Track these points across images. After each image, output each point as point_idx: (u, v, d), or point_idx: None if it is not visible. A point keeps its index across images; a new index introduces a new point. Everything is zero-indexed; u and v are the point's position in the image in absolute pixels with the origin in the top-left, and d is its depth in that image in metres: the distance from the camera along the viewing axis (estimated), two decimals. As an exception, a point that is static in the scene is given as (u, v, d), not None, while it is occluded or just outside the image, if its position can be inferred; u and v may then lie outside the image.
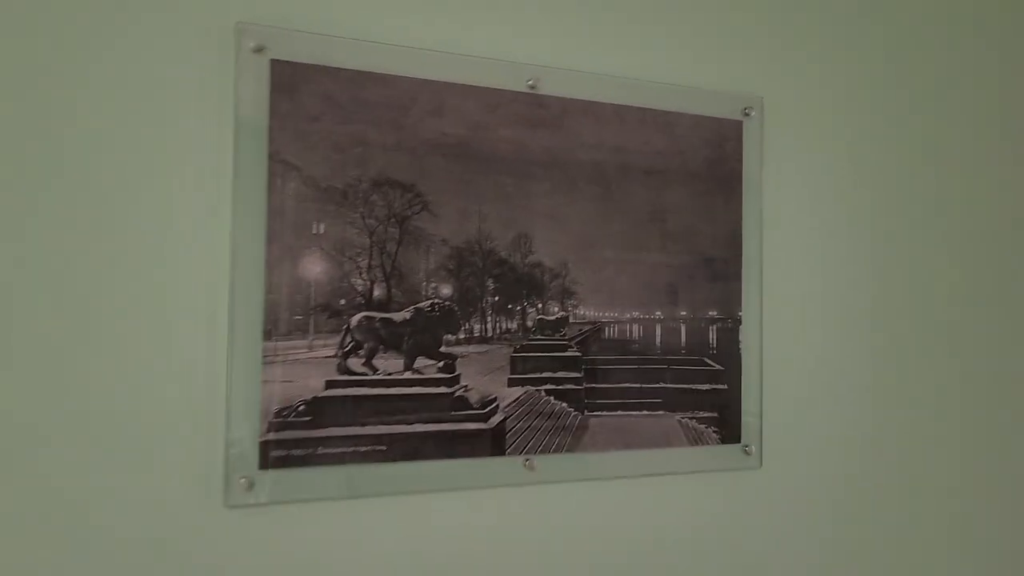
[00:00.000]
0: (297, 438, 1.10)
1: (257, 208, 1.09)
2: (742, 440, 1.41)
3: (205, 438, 1.07)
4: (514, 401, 1.24)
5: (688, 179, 1.37)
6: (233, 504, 1.08)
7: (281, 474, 1.10)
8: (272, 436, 1.09)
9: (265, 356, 1.09)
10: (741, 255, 1.41)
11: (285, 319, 1.11)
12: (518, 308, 1.26)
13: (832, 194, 1.52)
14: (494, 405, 1.23)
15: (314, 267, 1.13)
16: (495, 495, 1.23)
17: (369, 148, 1.15)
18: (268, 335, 1.10)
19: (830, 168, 1.52)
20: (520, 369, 1.25)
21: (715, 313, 1.40)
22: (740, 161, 1.41)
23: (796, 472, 1.47)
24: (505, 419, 1.23)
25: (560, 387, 1.28)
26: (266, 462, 1.09)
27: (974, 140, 1.66)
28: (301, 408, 1.11)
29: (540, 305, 1.28)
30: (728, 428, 1.40)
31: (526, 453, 1.24)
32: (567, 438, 1.27)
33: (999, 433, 1.68)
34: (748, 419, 1.41)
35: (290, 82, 1.11)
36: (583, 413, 1.29)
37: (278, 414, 1.09)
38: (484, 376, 1.23)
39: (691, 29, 1.40)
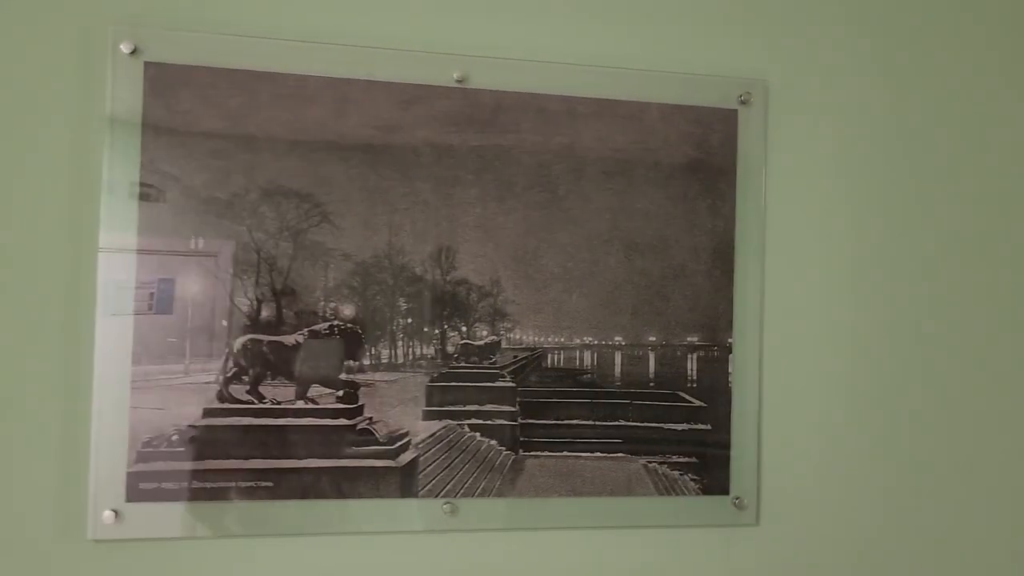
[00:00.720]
0: (169, 470, 1.02)
1: (127, 220, 1.02)
2: (732, 491, 1.17)
3: (69, 467, 1.01)
4: (430, 436, 1.09)
5: (660, 180, 1.16)
6: (98, 538, 1.01)
7: (151, 508, 1.02)
8: (141, 467, 1.01)
9: (134, 381, 1.02)
10: (733, 270, 1.18)
11: (158, 341, 1.03)
12: (436, 331, 1.11)
13: (848, 195, 1.24)
14: (405, 440, 1.08)
15: (192, 285, 1.04)
16: (406, 541, 1.09)
17: (258, 154, 1.05)
18: (138, 359, 1.02)
19: (845, 165, 1.24)
20: (438, 400, 1.10)
21: (696, 339, 1.17)
22: (732, 157, 1.18)
23: (803, 531, 1.20)
24: (418, 456, 1.09)
25: (488, 422, 1.11)
26: (135, 495, 1.01)
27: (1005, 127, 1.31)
28: (174, 438, 1.03)
29: (464, 328, 1.12)
30: (711, 476, 1.17)
31: (445, 496, 1.09)
32: (496, 481, 1.11)
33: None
34: (740, 466, 1.17)
35: (167, 85, 1.03)
36: (517, 452, 1.12)
37: (148, 443, 1.02)
38: (393, 408, 1.09)
39: (666, 4, 1.19)
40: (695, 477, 1.16)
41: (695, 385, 1.17)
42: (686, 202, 1.16)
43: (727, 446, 1.17)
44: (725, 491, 1.17)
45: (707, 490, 1.16)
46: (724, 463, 1.17)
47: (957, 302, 1.26)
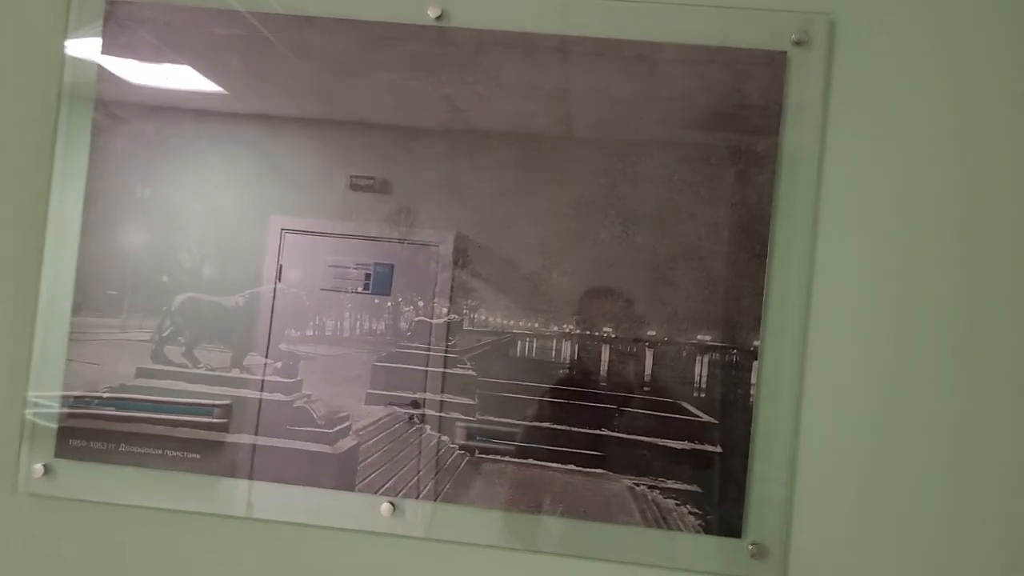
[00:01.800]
0: (99, 429, 0.97)
1: (77, 167, 0.98)
2: (746, 533, 0.92)
3: (4, 415, 0.99)
4: (373, 423, 0.95)
5: (672, 138, 0.93)
6: (23, 491, 0.98)
7: (79, 467, 0.97)
8: (72, 424, 0.97)
9: (72, 332, 0.98)
10: (766, 253, 0.93)
11: (98, 293, 0.98)
12: (388, 304, 0.97)
13: (930, 163, 0.92)
14: (345, 425, 0.96)
15: (135, 237, 0.98)
16: (338, 538, 0.96)
17: (211, 99, 0.97)
18: (77, 309, 0.98)
19: (930, 124, 0.93)
20: (384, 383, 0.96)
21: (708, 338, 0.93)
22: (777, 112, 0.93)
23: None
24: (358, 444, 0.95)
25: (441, 414, 0.95)
26: (64, 451, 0.97)
27: None
28: (106, 395, 0.97)
29: (421, 303, 0.96)
30: (719, 512, 0.92)
31: (384, 494, 0.95)
32: (445, 483, 0.94)
33: None
34: (762, 503, 0.92)
35: (126, 24, 0.98)
36: (473, 453, 0.95)
37: (80, 400, 0.97)
38: (335, 386, 0.96)
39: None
40: (696, 510, 0.92)
41: (703, 395, 0.93)
42: (706, 166, 0.93)
43: (743, 476, 0.92)
44: (736, 533, 0.92)
45: (711, 529, 0.92)
46: (738, 497, 0.92)
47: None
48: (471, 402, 0.96)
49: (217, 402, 0.96)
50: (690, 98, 0.93)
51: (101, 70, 0.98)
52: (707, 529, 0.92)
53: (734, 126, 0.93)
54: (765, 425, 0.92)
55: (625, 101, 0.94)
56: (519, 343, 0.96)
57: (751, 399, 0.92)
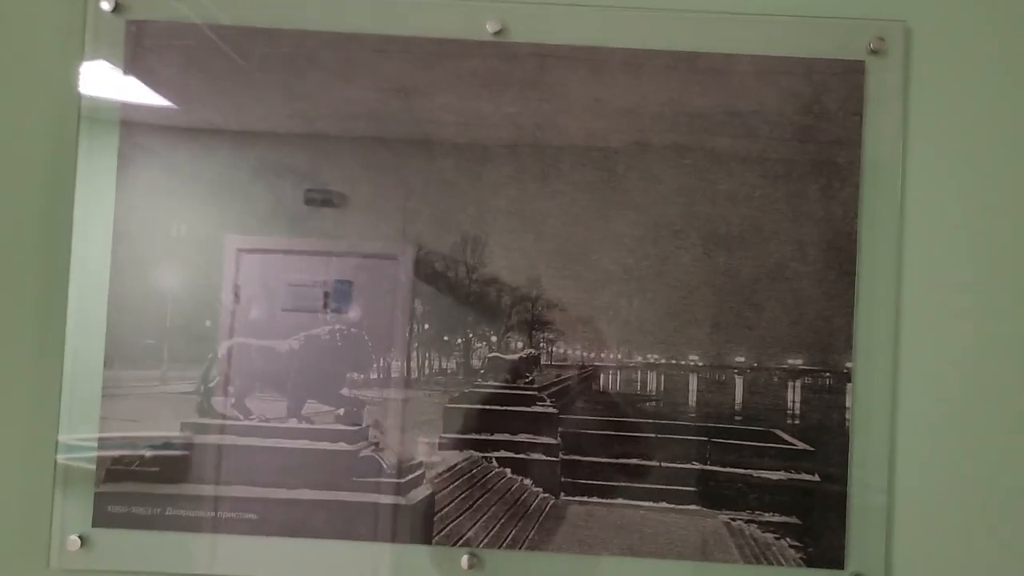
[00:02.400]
0: (141, 493, 0.88)
1: (103, 201, 0.89)
2: (849, 564, 0.88)
3: (28, 486, 0.88)
4: (449, 470, 0.89)
5: (752, 153, 0.89)
6: (59, 567, 0.88)
7: (120, 535, 0.88)
8: (111, 488, 0.88)
9: (105, 388, 0.88)
10: (854, 270, 0.89)
11: (132, 343, 0.89)
12: (459, 341, 0.90)
13: (1014, 173, 0.91)
14: (418, 473, 0.88)
15: (172, 279, 0.89)
16: (417, 599, 0.89)
17: (250, 124, 0.89)
18: (110, 362, 0.88)
19: (1012, 133, 0.91)
20: (459, 427, 0.89)
21: (800, 362, 0.89)
22: (857, 124, 0.89)
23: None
24: (434, 493, 0.88)
25: (522, 456, 0.89)
26: (103, 519, 0.88)
27: None
28: (148, 456, 0.88)
29: (494, 338, 0.90)
30: (820, 543, 0.88)
31: (465, 544, 0.88)
32: (530, 529, 0.88)
33: None
34: (863, 531, 0.88)
35: (151, 47, 0.89)
36: (558, 496, 0.89)
37: (118, 461, 0.88)
38: (404, 432, 0.89)
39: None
40: (796, 543, 0.88)
41: (798, 422, 0.89)
42: (788, 182, 0.89)
43: (843, 504, 0.88)
44: (839, 564, 0.88)
45: (813, 561, 0.88)
46: (839, 526, 0.88)
47: None
48: (553, 441, 0.89)
49: (274, 455, 0.88)
50: (767, 110, 0.89)
51: (126, 99, 0.89)
52: (808, 562, 0.88)
53: (815, 138, 0.89)
54: (861, 450, 0.89)
55: (701, 116, 0.89)
56: (601, 376, 0.90)
57: (847, 424, 0.89)
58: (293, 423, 0.89)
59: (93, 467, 0.88)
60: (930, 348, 0.90)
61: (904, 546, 0.89)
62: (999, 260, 0.90)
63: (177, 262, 0.89)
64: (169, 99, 0.89)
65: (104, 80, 0.89)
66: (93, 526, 0.88)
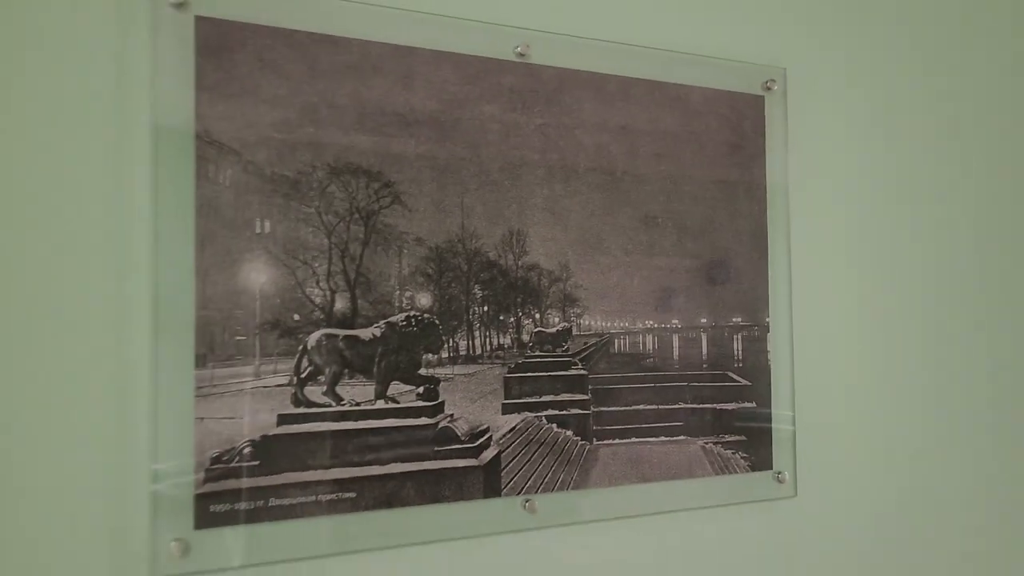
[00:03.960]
0: (243, 488, 0.88)
1: (183, 203, 0.87)
2: (774, 466, 1.20)
3: (124, 493, 0.84)
4: (510, 431, 1.03)
5: (704, 163, 1.17)
6: (163, 574, 0.85)
7: (223, 534, 0.87)
8: (211, 487, 0.87)
9: (199, 387, 0.87)
10: (767, 253, 1.21)
11: (224, 341, 0.89)
12: (511, 320, 1.05)
13: (866, 180, 1.32)
14: (486, 437, 1.01)
15: (259, 275, 0.91)
16: (491, 544, 1.01)
17: (324, 127, 0.94)
18: (202, 361, 0.88)
19: (863, 150, 1.32)
20: (516, 392, 1.04)
21: (740, 320, 1.19)
22: (762, 143, 1.22)
23: (834, 500, 1.27)
24: (500, 453, 1.02)
25: (564, 412, 1.07)
26: (204, 520, 0.87)
27: (1018, 114, 1.48)
28: (247, 451, 0.89)
29: (538, 315, 1.07)
30: (758, 453, 1.19)
31: (525, 493, 1.03)
32: (573, 473, 1.06)
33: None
34: (780, 441, 1.21)
35: (221, 44, 0.89)
36: (592, 442, 1.08)
37: (218, 459, 0.87)
38: (473, 402, 1.01)
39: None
40: (745, 455, 1.18)
41: (741, 364, 1.19)
42: (728, 187, 1.18)
43: (769, 422, 1.20)
44: (769, 466, 1.20)
45: (755, 467, 1.18)
46: (767, 440, 1.20)
47: (968, 281, 1.38)
48: (585, 397, 1.08)
49: (366, 435, 0.94)
50: (712, 131, 1.17)
51: (199, 98, 0.88)
52: (753, 468, 1.18)
53: (740, 153, 1.19)
54: (776, 381, 1.21)
55: (671, 133, 1.14)
56: (616, 341, 1.11)
57: (768, 362, 1.20)
58: (380, 404, 0.96)
59: (191, 469, 0.86)
60: (812, 306, 1.25)
61: (804, 451, 1.23)
62: (857, 245, 1.29)
63: (262, 260, 0.91)
64: (243, 99, 0.90)
65: (178, 79, 0.87)
66: (195, 528, 0.86)
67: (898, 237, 1.34)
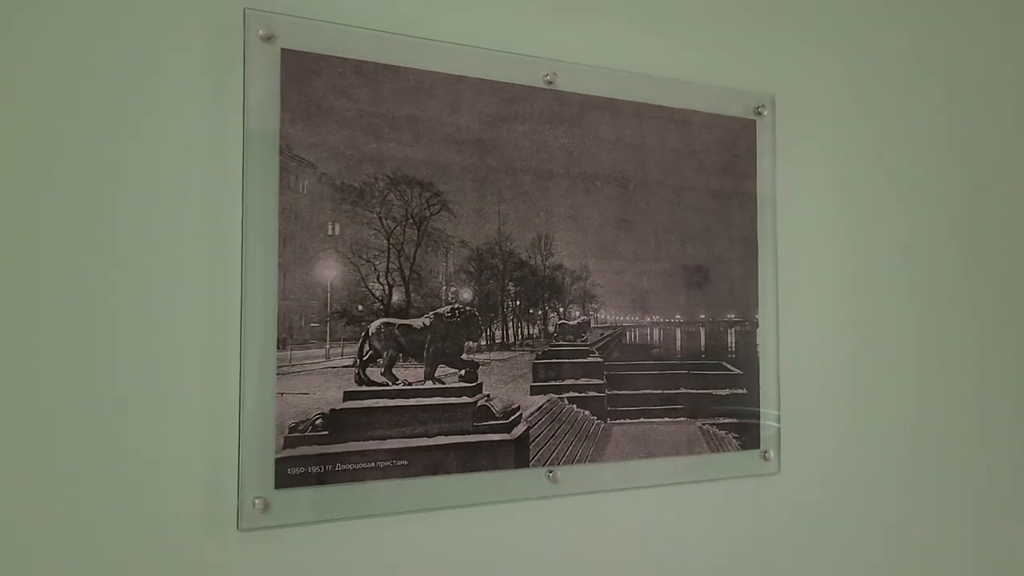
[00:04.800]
0: (315, 454, 1.03)
1: (269, 208, 1.01)
2: (761, 445, 1.37)
3: (216, 456, 0.99)
4: (537, 410, 1.18)
5: (704, 178, 1.33)
6: (247, 527, 0.99)
7: (298, 493, 1.02)
8: (289, 453, 1.01)
9: (280, 366, 1.01)
10: (757, 257, 1.38)
11: (301, 327, 1.03)
12: (539, 312, 1.20)
13: (847, 195, 1.50)
14: (517, 415, 1.17)
15: (330, 271, 1.05)
16: (518, 509, 1.17)
17: (384, 144, 1.09)
18: (283, 344, 1.02)
19: (845, 169, 1.50)
20: (543, 376, 1.19)
21: (733, 316, 1.36)
22: (754, 161, 1.38)
23: (813, 476, 1.44)
24: (528, 429, 1.17)
25: (583, 394, 1.22)
26: (283, 481, 1.01)
27: (999, 139, 1.67)
28: (319, 422, 1.03)
29: (562, 309, 1.22)
30: (748, 434, 1.35)
31: (549, 464, 1.18)
32: (590, 447, 1.22)
33: None
34: (766, 424, 1.37)
35: (302, 73, 1.04)
36: (606, 421, 1.24)
37: (294, 429, 1.02)
38: (506, 384, 1.16)
39: (705, 25, 1.37)
40: (736, 435, 1.34)
41: (733, 355, 1.36)
42: (723, 199, 1.35)
43: (757, 406, 1.36)
44: (757, 446, 1.36)
45: (744, 446, 1.35)
46: (755, 422, 1.36)
47: (940, 275, 1.56)
48: (601, 382, 1.24)
49: (416, 411, 1.09)
50: (710, 151, 1.34)
51: (283, 118, 1.02)
52: (743, 447, 1.35)
53: (735, 171, 1.36)
54: (764, 371, 1.38)
55: (676, 151, 1.30)
56: (627, 333, 1.26)
57: (758, 354, 1.37)
58: (429, 384, 1.10)
59: (273, 437, 1.00)
60: (797, 305, 1.42)
61: (788, 432, 1.40)
62: (838, 250, 1.46)
63: (332, 258, 1.05)
64: (319, 119, 1.04)
65: (266, 102, 1.01)
66: (276, 488, 1.00)
67: (876, 242, 1.52)
